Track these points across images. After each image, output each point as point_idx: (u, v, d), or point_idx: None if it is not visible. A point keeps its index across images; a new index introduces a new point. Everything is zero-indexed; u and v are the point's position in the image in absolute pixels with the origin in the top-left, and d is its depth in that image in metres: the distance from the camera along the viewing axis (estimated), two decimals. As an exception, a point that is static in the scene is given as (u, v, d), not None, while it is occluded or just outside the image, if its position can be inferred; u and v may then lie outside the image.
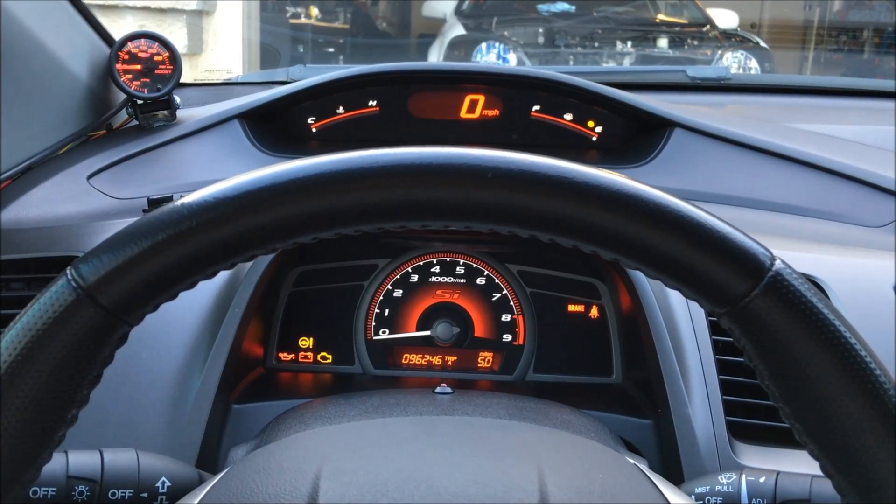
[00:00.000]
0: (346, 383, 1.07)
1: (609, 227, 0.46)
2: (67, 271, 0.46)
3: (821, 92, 1.74)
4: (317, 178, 0.46)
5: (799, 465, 0.72)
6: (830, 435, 0.45)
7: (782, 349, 0.45)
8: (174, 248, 0.45)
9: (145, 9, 4.68)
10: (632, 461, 0.64)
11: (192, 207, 0.45)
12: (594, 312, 1.10)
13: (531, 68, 1.39)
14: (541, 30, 6.50)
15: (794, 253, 1.00)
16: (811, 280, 0.95)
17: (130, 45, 1.27)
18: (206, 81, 1.67)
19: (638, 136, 1.32)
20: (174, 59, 1.28)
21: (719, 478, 0.70)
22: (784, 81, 1.88)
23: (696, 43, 6.38)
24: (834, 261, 1.03)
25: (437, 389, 0.85)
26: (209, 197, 0.46)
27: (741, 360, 0.91)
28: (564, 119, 1.34)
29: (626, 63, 6.11)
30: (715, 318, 0.92)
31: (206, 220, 0.45)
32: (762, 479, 0.68)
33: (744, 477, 0.69)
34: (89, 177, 1.20)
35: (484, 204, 0.46)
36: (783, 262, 0.46)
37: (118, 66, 1.26)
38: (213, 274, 0.47)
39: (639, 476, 0.59)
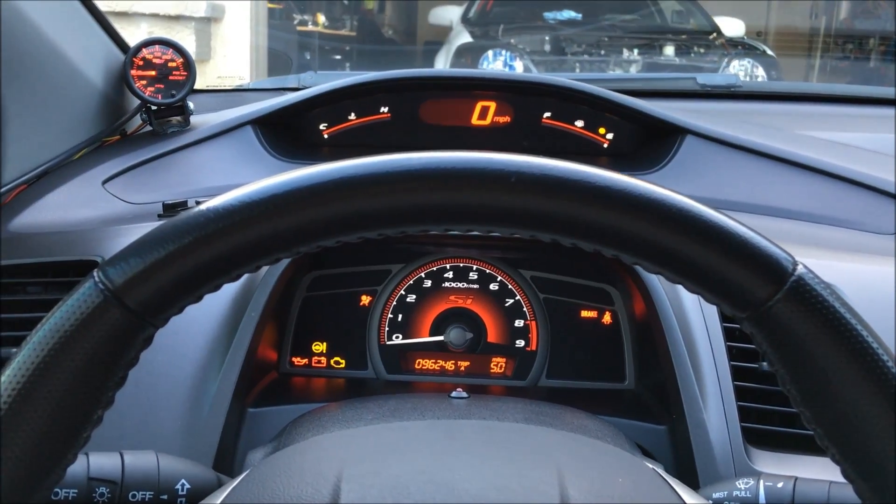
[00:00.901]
0: (360, 388, 1.07)
1: (631, 231, 0.46)
2: (95, 273, 0.46)
3: (830, 99, 1.75)
4: (342, 182, 0.46)
5: (813, 472, 0.73)
6: (852, 439, 0.46)
7: (805, 353, 0.45)
8: (201, 250, 0.46)
9: (154, 15, 4.70)
10: (650, 465, 0.64)
11: (218, 211, 0.46)
12: (607, 318, 1.10)
13: (542, 75, 1.39)
14: (547, 37, 6.50)
15: (806, 259, 0.99)
16: (825, 286, 0.95)
17: (145, 52, 1.28)
18: (219, 87, 1.68)
19: (649, 143, 1.33)
20: (188, 65, 1.29)
21: (737, 483, 0.70)
22: (793, 89, 1.89)
23: (702, 51, 6.37)
24: (846, 267, 1.03)
25: (453, 394, 0.85)
26: (235, 201, 0.46)
27: (755, 365, 0.92)
28: (575, 126, 1.34)
29: (633, 70, 6.10)
30: (730, 324, 0.93)
31: (232, 223, 0.46)
32: (780, 485, 0.68)
33: (762, 482, 0.69)
34: (104, 182, 1.21)
35: (507, 208, 0.47)
36: (805, 266, 0.46)
37: (133, 72, 1.27)
38: (239, 276, 0.48)
39: (658, 480, 0.59)
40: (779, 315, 0.45)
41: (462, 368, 1.11)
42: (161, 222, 0.47)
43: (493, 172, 0.46)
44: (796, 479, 0.68)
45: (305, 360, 1.11)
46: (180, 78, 1.28)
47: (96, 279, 0.46)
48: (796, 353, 0.46)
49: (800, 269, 0.46)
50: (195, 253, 0.46)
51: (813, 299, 0.45)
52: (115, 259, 0.46)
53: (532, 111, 1.35)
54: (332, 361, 1.11)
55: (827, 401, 0.46)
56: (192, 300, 0.48)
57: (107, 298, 0.45)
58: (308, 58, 7.35)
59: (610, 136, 1.34)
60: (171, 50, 1.29)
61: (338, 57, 8.07)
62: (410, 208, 0.47)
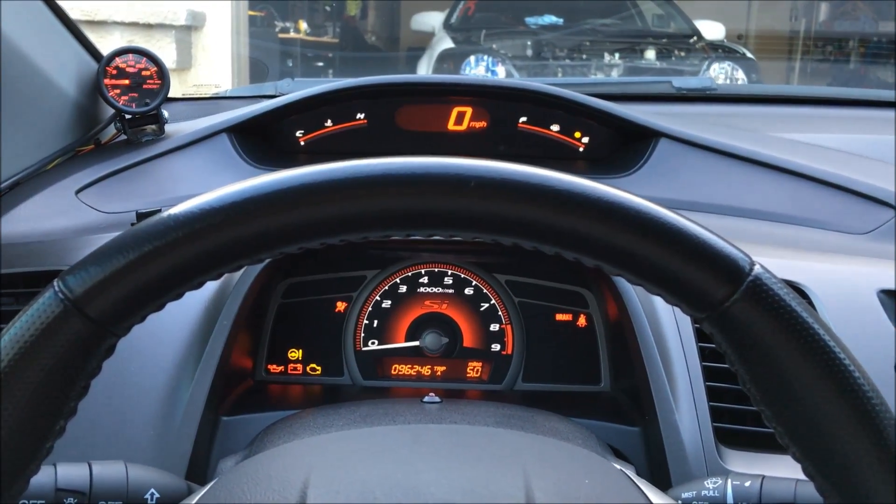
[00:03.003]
0: (336, 394, 1.07)
1: (589, 233, 0.46)
2: (55, 283, 0.46)
3: (804, 101, 1.76)
4: (301, 188, 0.46)
5: (785, 470, 0.73)
6: (811, 437, 0.46)
7: (762, 353, 0.46)
8: (161, 259, 0.46)
9: (134, 24, 4.68)
10: (618, 467, 0.64)
11: (178, 218, 0.46)
12: (582, 321, 1.11)
13: (518, 80, 1.40)
14: (529, 42, 6.51)
15: (779, 260, 1.01)
16: (795, 286, 0.96)
17: (118, 61, 1.27)
18: (195, 96, 1.67)
19: (624, 147, 1.33)
20: (162, 73, 1.29)
21: (705, 483, 0.71)
22: (768, 91, 1.90)
23: (683, 54, 6.40)
24: (818, 267, 1.04)
25: (425, 399, 0.85)
26: (195, 208, 0.46)
27: (727, 366, 0.92)
28: (551, 130, 1.35)
29: (614, 74, 6.13)
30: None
31: (192, 230, 0.46)
32: (747, 484, 0.69)
33: (729, 482, 0.70)
34: (78, 191, 1.20)
35: (467, 213, 0.47)
36: (762, 266, 0.47)
37: (106, 81, 1.27)
38: (200, 284, 0.48)
39: (625, 481, 0.60)
40: (736, 315, 0.46)
41: (438, 373, 1.11)
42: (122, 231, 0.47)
43: (452, 177, 0.46)
44: (763, 477, 0.69)
45: (281, 368, 1.10)
46: (154, 86, 1.28)
47: (56, 289, 0.46)
48: (754, 352, 0.46)
49: (757, 269, 0.46)
50: (156, 262, 0.46)
51: (770, 299, 0.46)
52: (74, 268, 0.46)
53: (508, 116, 1.35)
54: (308, 368, 1.11)
55: (785, 400, 0.46)
56: (154, 309, 0.48)
57: (67, 308, 0.45)
58: (290, 65, 7.33)
59: (585, 140, 1.35)
60: (144, 59, 1.28)
61: (320, 64, 8.06)
62: (370, 214, 0.47)
